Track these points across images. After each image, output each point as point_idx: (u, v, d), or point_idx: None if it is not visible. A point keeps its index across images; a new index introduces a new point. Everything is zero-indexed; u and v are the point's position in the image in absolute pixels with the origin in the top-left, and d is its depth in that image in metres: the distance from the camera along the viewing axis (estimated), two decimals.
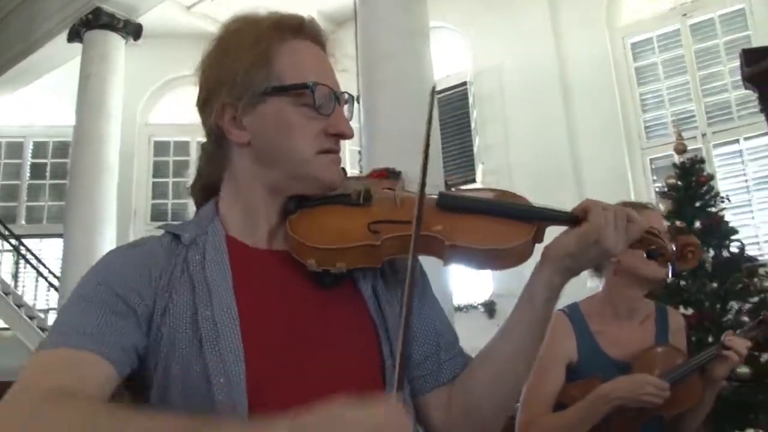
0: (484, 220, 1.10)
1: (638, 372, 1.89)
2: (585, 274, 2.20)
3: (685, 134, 9.62)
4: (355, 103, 1.21)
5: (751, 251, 8.84)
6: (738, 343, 1.91)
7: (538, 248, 1.15)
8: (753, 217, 9.39)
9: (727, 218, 4.49)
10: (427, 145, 1.13)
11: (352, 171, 8.98)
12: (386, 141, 5.91)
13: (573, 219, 1.11)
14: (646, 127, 10.43)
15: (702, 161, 4.39)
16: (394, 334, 1.10)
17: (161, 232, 1.15)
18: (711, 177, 4.35)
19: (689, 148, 9.34)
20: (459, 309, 10.29)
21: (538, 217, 1.11)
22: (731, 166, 9.77)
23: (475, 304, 11.09)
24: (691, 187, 4.25)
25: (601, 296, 2.11)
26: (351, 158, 9.45)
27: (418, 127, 5.73)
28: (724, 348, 1.91)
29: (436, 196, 1.12)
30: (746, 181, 9.58)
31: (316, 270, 1.06)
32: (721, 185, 9.53)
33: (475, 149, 11.59)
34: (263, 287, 1.08)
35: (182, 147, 12.16)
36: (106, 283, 1.02)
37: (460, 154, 11.67)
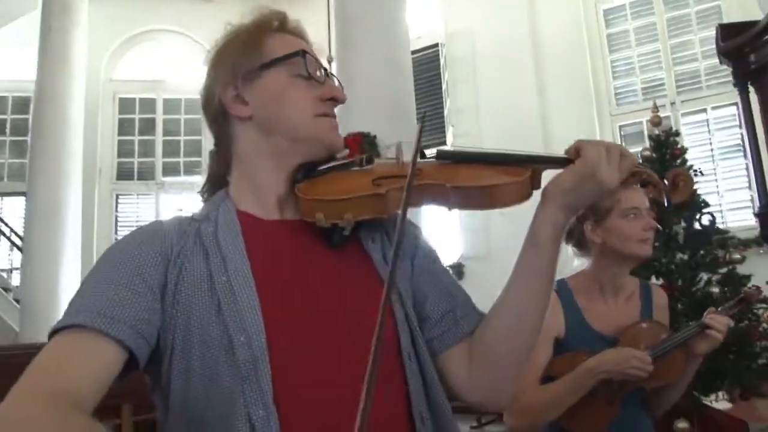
0: (482, 167, 1.14)
1: (624, 346, 1.92)
2: (571, 253, 2.22)
3: (654, 101, 9.75)
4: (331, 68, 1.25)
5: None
6: (719, 321, 1.95)
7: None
8: (717, 186, 9.57)
9: (697, 169, 4.54)
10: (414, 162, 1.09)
11: None
12: (360, 104, 5.86)
13: (567, 161, 1.13)
14: (616, 94, 10.49)
15: (677, 134, 4.42)
16: (405, 295, 1.17)
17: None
18: (685, 150, 4.38)
19: (660, 114, 9.50)
20: None
21: (533, 162, 1.14)
22: (698, 135, 9.90)
23: (444, 266, 11.20)
24: (665, 159, 4.28)
25: (588, 273, 2.13)
26: None
27: (393, 90, 5.69)
28: (706, 326, 1.94)
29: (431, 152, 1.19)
30: (712, 150, 9.73)
31: (325, 225, 1.09)
32: (688, 154, 9.66)
33: (446, 112, 11.57)
34: (275, 254, 1.13)
35: (148, 104, 11.91)
36: (120, 261, 1.05)
37: (432, 115, 11.63)
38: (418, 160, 1.03)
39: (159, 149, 11.89)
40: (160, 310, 1.04)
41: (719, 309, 2.10)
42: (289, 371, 1.00)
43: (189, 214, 1.19)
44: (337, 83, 1.25)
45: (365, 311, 1.08)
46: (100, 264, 1.08)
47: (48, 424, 0.85)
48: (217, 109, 1.21)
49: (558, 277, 2.11)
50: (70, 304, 1.02)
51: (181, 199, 12.09)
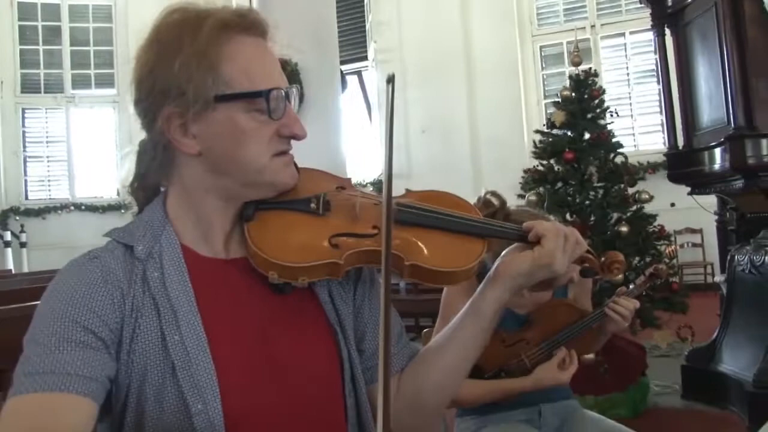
0: (441, 236, 1.12)
1: (537, 326, 2.02)
2: None
3: (574, 24, 9.82)
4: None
5: (627, 141, 9.37)
6: (624, 306, 2.03)
7: None
8: (632, 110, 9.86)
9: (613, 110, 4.68)
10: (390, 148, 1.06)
11: None
12: (281, 26, 5.64)
13: (522, 238, 1.15)
14: (538, 14, 10.51)
15: (596, 74, 4.49)
16: (350, 333, 1.15)
17: (109, 241, 1.10)
18: (603, 91, 4.47)
19: (579, 38, 9.58)
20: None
21: (490, 235, 1.14)
22: (616, 59, 10.09)
23: (365, 183, 11.28)
24: (584, 99, 4.37)
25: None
26: None
27: (316, 11, 5.46)
28: (609, 312, 2.04)
29: (395, 209, 1.10)
30: (628, 74, 9.97)
31: (277, 282, 1.06)
32: (605, 77, 9.88)
33: (368, 26, 11.35)
34: (225, 300, 1.08)
35: (51, 10, 11.18)
36: (70, 315, 0.98)
37: (353, 30, 11.39)
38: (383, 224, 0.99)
39: (67, 60, 11.27)
40: (115, 366, 1.00)
41: (630, 287, 2.18)
42: (244, 430, 1.01)
43: (124, 239, 1.08)
44: (294, 106, 1.10)
45: (313, 356, 1.10)
46: (50, 315, 0.99)
47: None
48: (157, 135, 1.06)
49: None
50: (30, 362, 0.95)
51: (93, 114, 11.63)
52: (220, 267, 1.10)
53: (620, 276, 1.32)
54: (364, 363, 1.18)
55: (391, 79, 1.01)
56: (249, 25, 1.06)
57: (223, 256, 1.11)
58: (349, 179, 1.22)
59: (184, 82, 1.00)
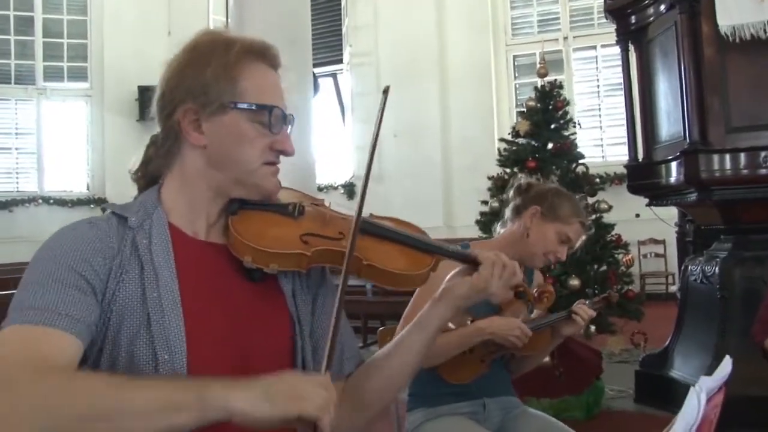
0: (396, 247, 1.29)
1: (507, 315, 2.12)
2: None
3: (548, 35, 10.01)
4: None
5: (595, 152, 9.57)
6: (584, 311, 2.21)
7: None
8: (600, 121, 10.05)
9: (576, 121, 4.81)
10: (372, 155, 1.28)
11: None
12: (256, 27, 5.67)
13: (466, 260, 1.33)
14: (512, 24, 10.67)
15: (560, 86, 4.61)
16: (306, 328, 1.29)
17: (107, 212, 1.24)
18: (567, 102, 4.60)
19: (551, 49, 9.80)
20: (321, 189, 10.49)
21: (439, 253, 1.31)
22: (587, 71, 10.29)
23: (336, 185, 11.34)
24: (548, 110, 4.49)
25: (493, 245, 2.27)
26: None
27: (291, 13, 5.46)
28: (574, 313, 2.19)
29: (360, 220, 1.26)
30: (598, 86, 10.16)
31: (251, 266, 1.20)
32: (576, 88, 10.07)
33: (344, 29, 11.42)
34: (201, 276, 1.22)
35: (25, 1, 11.04)
36: (65, 261, 1.10)
37: (329, 33, 11.46)
38: (349, 233, 1.18)
39: (39, 51, 11.16)
40: (99, 312, 1.11)
41: (587, 302, 2.33)
42: None
43: (119, 211, 1.22)
44: (289, 131, 1.30)
45: (272, 341, 1.24)
46: (47, 259, 1.12)
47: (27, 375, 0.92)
48: (172, 124, 1.23)
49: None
50: (24, 298, 1.06)
51: (65, 107, 11.54)
52: (201, 247, 1.25)
53: (548, 305, 1.51)
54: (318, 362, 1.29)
55: (386, 91, 1.28)
56: (267, 56, 1.28)
57: (203, 238, 1.26)
58: (323, 199, 1.39)
59: (207, 86, 1.20)
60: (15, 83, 11.05)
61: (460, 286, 1.30)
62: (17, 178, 11.40)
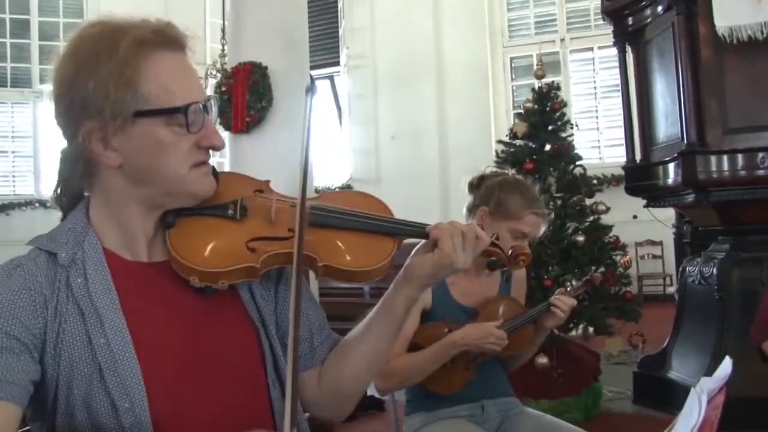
0: (353, 236, 1.19)
1: (483, 318, 2.11)
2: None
3: (545, 37, 10.01)
4: None
5: (592, 153, 9.58)
6: (564, 302, 2.15)
7: None
8: (598, 123, 10.06)
9: (574, 122, 4.80)
10: (306, 155, 1.14)
11: (212, 46, 8.54)
12: (253, 30, 5.68)
13: (425, 235, 1.22)
14: (509, 26, 10.68)
15: (558, 88, 4.61)
16: (271, 327, 1.21)
17: (31, 248, 1.11)
18: (565, 104, 4.60)
19: (548, 51, 9.81)
20: (318, 191, 10.47)
21: (399, 234, 1.21)
22: (584, 72, 10.30)
23: (333, 187, 11.33)
24: (545, 112, 4.49)
25: None
26: (212, 33, 9.03)
27: (288, 15, 5.42)
28: (553, 306, 2.15)
29: (308, 211, 1.16)
30: (595, 88, 10.17)
31: (199, 286, 1.10)
32: (573, 90, 10.07)
33: (341, 32, 11.42)
34: (149, 302, 1.11)
35: (21, 3, 11.03)
36: None
37: (326, 35, 11.44)
38: (296, 225, 1.07)
39: (35, 54, 11.12)
40: (40, 371, 1.02)
41: (568, 289, 2.31)
42: (172, 428, 1.05)
43: (47, 246, 1.09)
44: (212, 117, 1.14)
45: (236, 352, 1.15)
46: None
47: None
48: (77, 146, 1.08)
49: None
50: None
51: None
52: (144, 270, 1.13)
53: (524, 266, 1.43)
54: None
55: (309, 89, 1.12)
56: (166, 41, 1.08)
57: (146, 259, 1.14)
58: (268, 181, 1.26)
59: (102, 99, 1.02)
60: (11, 86, 11.02)
61: (422, 265, 1.19)
62: (14, 181, 11.37)
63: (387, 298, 1.23)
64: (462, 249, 1.18)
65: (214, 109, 1.15)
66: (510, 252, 1.36)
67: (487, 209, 2.16)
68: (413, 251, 1.24)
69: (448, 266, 1.17)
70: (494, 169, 2.36)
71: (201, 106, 1.09)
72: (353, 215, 1.20)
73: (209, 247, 1.12)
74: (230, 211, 1.15)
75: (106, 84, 1.02)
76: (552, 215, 4.34)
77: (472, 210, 2.25)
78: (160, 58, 1.07)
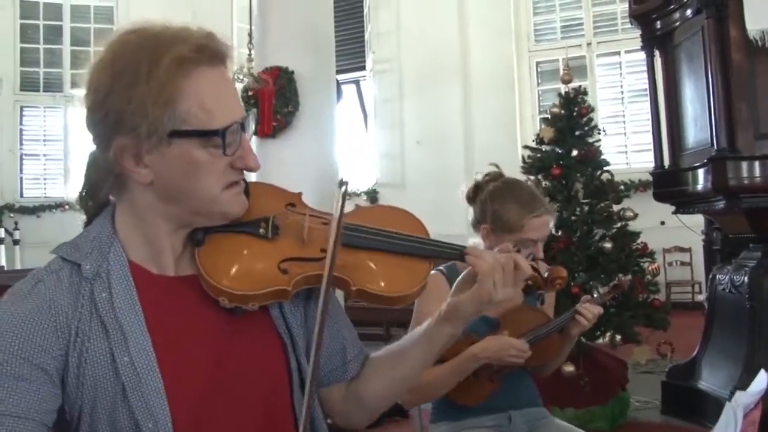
0: (387, 258, 1.16)
1: (505, 329, 2.07)
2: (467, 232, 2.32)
3: (571, 41, 9.94)
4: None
5: (619, 159, 9.48)
6: (590, 311, 2.11)
7: None
8: (625, 128, 9.96)
9: (601, 127, 4.76)
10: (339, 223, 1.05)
11: (239, 51, 8.62)
12: (279, 34, 5.71)
13: (463, 257, 1.19)
14: (535, 30, 10.62)
15: (585, 93, 4.56)
16: (299, 343, 1.18)
17: (56, 257, 1.10)
18: (592, 109, 4.55)
19: (575, 55, 9.72)
20: (347, 195, 10.44)
21: (435, 256, 1.19)
22: (611, 77, 10.20)
23: (359, 192, 11.33)
24: (572, 117, 4.45)
25: None
26: (239, 37, 9.10)
27: (314, 20, 5.45)
28: (578, 314, 2.12)
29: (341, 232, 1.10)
30: (622, 92, 10.07)
31: (228, 306, 1.08)
32: (600, 94, 9.98)
33: (367, 36, 11.44)
34: (175, 318, 1.09)
35: (53, 10, 11.22)
36: (10, 349, 0.98)
37: (352, 40, 11.47)
38: (329, 246, 1.03)
39: (67, 60, 11.28)
40: (60, 394, 1.01)
41: (595, 296, 2.27)
42: None
43: (71, 256, 1.07)
44: (248, 134, 1.11)
45: (262, 369, 1.13)
46: None
47: None
48: (109, 160, 1.05)
49: None
50: None
51: None
52: (170, 284, 1.11)
53: (560, 288, 1.41)
54: (322, 367, 1.24)
55: (342, 183, 1.04)
56: (209, 54, 1.06)
57: (172, 273, 1.12)
58: (300, 194, 1.23)
59: (139, 117, 0.99)
60: (44, 91, 11.19)
61: (466, 304, 1.17)
62: (45, 184, 11.53)
63: (430, 331, 1.21)
64: (503, 285, 1.15)
65: (251, 126, 1.12)
66: (546, 275, 1.33)
67: (488, 227, 2.14)
68: (455, 284, 1.23)
69: (488, 302, 1.15)
70: (486, 174, 2.31)
71: (239, 125, 1.07)
72: (387, 236, 1.16)
73: (240, 269, 1.09)
74: (261, 230, 1.12)
75: (144, 102, 0.99)
76: (577, 221, 4.31)
77: (475, 227, 2.22)
78: (200, 74, 1.04)
